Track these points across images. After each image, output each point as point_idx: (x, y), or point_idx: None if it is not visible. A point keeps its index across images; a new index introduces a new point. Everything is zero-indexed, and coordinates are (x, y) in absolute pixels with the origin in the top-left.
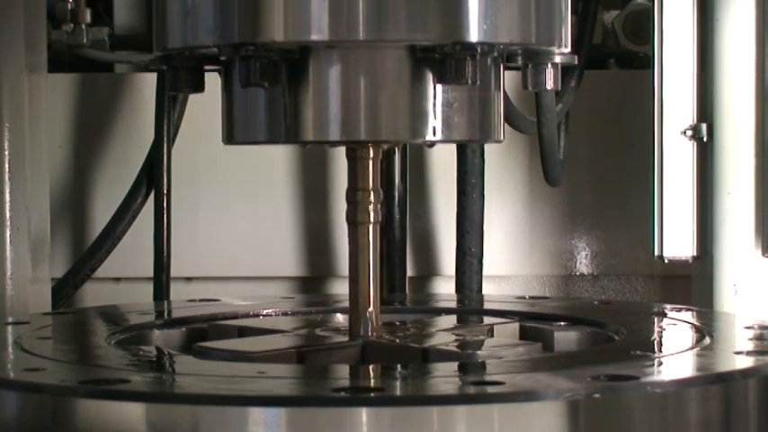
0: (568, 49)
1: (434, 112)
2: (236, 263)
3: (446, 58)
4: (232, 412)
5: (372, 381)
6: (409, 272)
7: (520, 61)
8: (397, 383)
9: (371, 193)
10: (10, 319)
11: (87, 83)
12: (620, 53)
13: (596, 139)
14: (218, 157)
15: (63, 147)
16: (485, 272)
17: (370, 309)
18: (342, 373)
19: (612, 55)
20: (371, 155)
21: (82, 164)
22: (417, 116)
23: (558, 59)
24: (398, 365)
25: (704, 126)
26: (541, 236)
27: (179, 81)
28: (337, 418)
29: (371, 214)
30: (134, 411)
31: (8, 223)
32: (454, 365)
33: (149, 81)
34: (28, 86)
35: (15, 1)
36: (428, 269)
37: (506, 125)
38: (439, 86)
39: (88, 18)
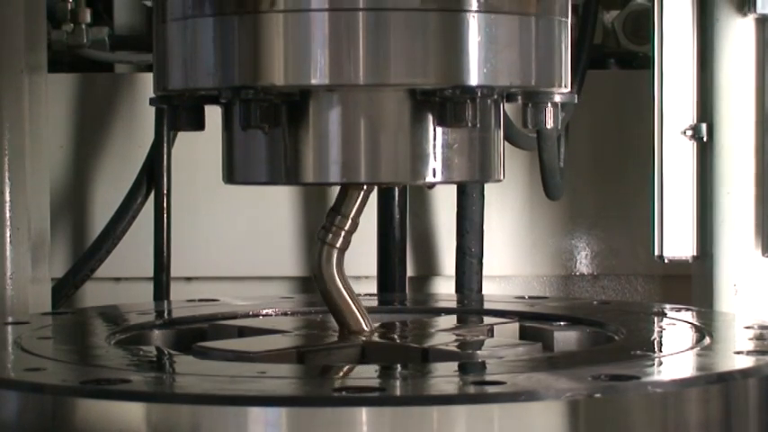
0: (568, 89)
1: (434, 153)
2: (236, 263)
3: (446, 101)
4: (232, 412)
5: (372, 381)
6: (409, 272)
7: (520, 100)
8: (397, 383)
9: (350, 221)
10: (10, 319)
11: (87, 83)
12: (620, 53)
13: (596, 140)
14: (218, 157)
15: (63, 147)
16: (485, 272)
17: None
18: (342, 373)
19: (612, 55)
20: (366, 188)
21: (82, 164)
22: (417, 158)
23: (557, 98)
24: (398, 365)
25: (704, 126)
26: (541, 236)
27: (179, 120)
28: (337, 419)
29: (341, 240)
30: (135, 411)
31: (8, 223)
32: (454, 365)
33: (149, 81)
34: (28, 86)
35: (15, 1)
36: (428, 269)
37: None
38: (439, 128)
39: (88, 18)
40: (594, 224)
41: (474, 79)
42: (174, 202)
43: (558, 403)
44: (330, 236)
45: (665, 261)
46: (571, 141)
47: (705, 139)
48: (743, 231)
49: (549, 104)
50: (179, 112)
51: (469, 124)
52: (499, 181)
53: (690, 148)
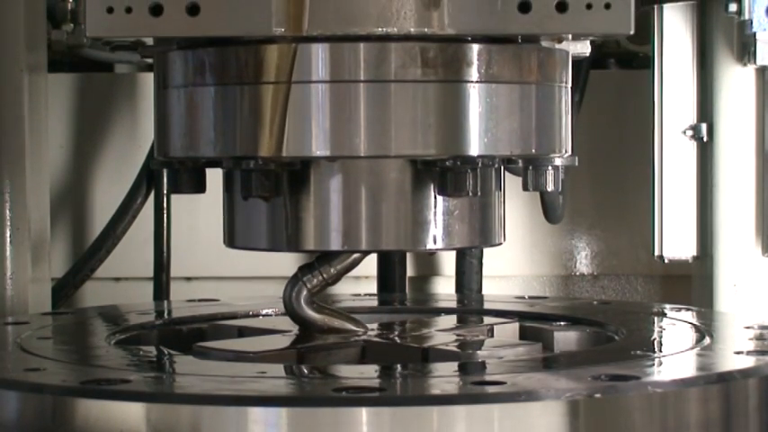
0: (569, 153)
1: (435, 221)
2: (236, 263)
3: (446, 170)
4: (232, 412)
5: (372, 381)
6: (409, 272)
7: (520, 163)
8: (398, 383)
9: (334, 274)
10: (10, 319)
11: (87, 83)
12: (620, 53)
13: (596, 139)
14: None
15: (63, 146)
16: (485, 272)
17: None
18: (342, 373)
19: (612, 55)
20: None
21: (82, 164)
22: (418, 226)
23: (558, 162)
24: (398, 365)
25: (704, 126)
26: (541, 236)
27: (180, 183)
28: (337, 419)
29: (315, 284)
30: (136, 412)
31: (8, 223)
32: (454, 365)
33: (149, 81)
34: (28, 86)
35: (15, 1)
36: (428, 269)
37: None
38: (440, 196)
39: None
40: (594, 224)
41: (475, 149)
42: (174, 202)
43: (559, 403)
44: (308, 276)
45: (665, 261)
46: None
47: (705, 139)
48: (743, 231)
49: (550, 167)
50: (180, 176)
51: (470, 193)
52: (500, 244)
53: (690, 148)
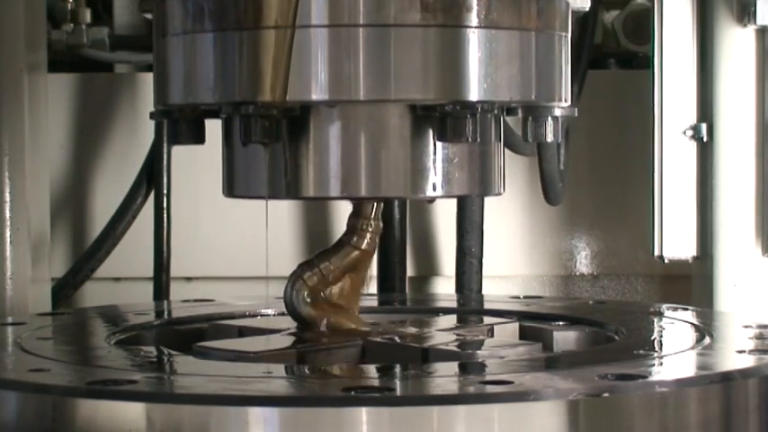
0: (569, 103)
1: (434, 168)
2: (236, 263)
3: (446, 116)
4: (235, 412)
5: (373, 380)
6: (409, 272)
7: (520, 114)
8: (399, 383)
9: (334, 272)
10: (9, 320)
11: (87, 83)
12: (620, 53)
13: (596, 140)
14: (218, 157)
15: (63, 147)
16: (485, 272)
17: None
18: (342, 373)
19: (612, 55)
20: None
21: (82, 164)
22: (418, 173)
23: (558, 112)
24: (401, 365)
25: (704, 126)
26: (541, 236)
27: (179, 133)
28: (338, 418)
29: (315, 281)
30: (144, 412)
31: (8, 223)
32: (463, 365)
33: (149, 81)
34: (28, 86)
35: (15, 1)
36: (428, 269)
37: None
38: (439, 142)
39: (88, 18)
40: (594, 224)
41: (474, 95)
42: (173, 202)
43: (567, 403)
44: (309, 273)
45: (665, 261)
46: (571, 142)
47: (705, 139)
48: (743, 231)
49: (550, 118)
50: (179, 126)
51: (469, 139)
52: (499, 194)
53: (690, 148)
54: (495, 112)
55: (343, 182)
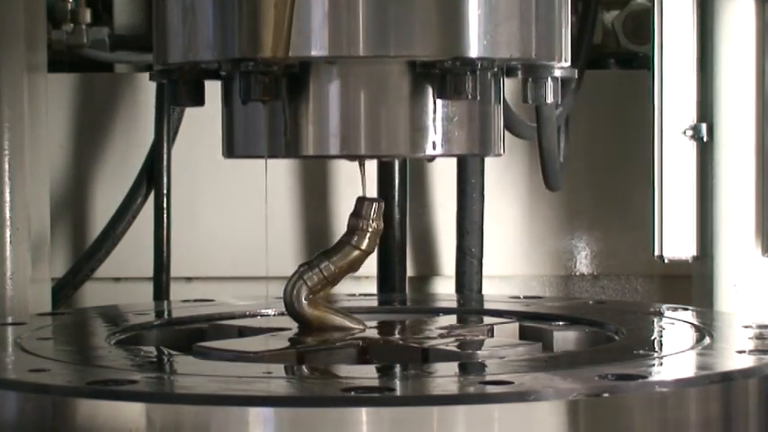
0: (568, 63)
1: (434, 126)
2: (236, 263)
3: (446, 73)
4: (235, 412)
5: (373, 380)
6: (409, 272)
7: (520, 75)
8: (399, 383)
9: (334, 271)
10: (9, 320)
11: (87, 83)
12: (620, 53)
13: (596, 140)
14: (218, 157)
15: (63, 147)
16: (485, 272)
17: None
18: (342, 373)
19: (612, 55)
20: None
21: (82, 164)
22: (417, 131)
23: (557, 73)
24: (399, 365)
25: (704, 126)
26: (541, 236)
27: (179, 95)
28: (338, 418)
29: (315, 282)
30: (145, 412)
31: (8, 223)
32: (464, 365)
33: (149, 81)
34: (28, 86)
35: (15, 1)
36: (428, 269)
37: (506, 133)
38: (439, 101)
39: (88, 18)
40: (594, 224)
41: (474, 51)
42: (174, 202)
43: (567, 403)
44: (309, 274)
45: (665, 261)
46: (571, 142)
47: (705, 139)
48: (743, 231)
49: (549, 79)
50: (179, 87)
51: (469, 96)
52: (499, 155)
53: (690, 148)
54: (495, 70)
55: (342, 140)
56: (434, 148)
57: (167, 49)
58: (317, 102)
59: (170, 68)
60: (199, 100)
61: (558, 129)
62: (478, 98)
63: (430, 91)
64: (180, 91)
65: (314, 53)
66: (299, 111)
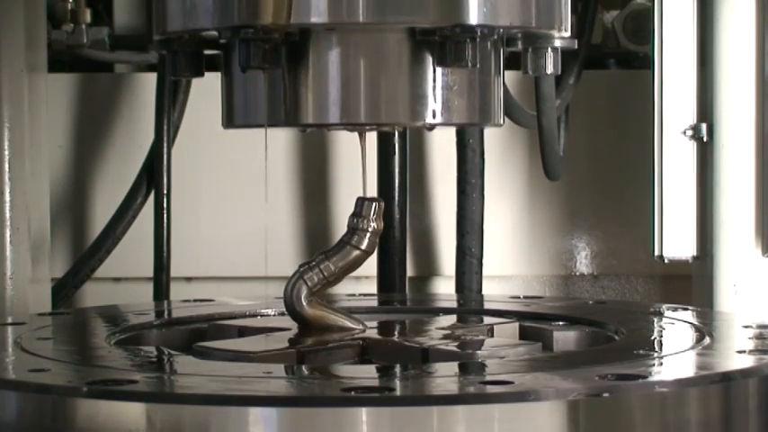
0: (568, 33)
1: (434, 95)
2: (237, 263)
3: (446, 40)
4: (235, 412)
5: (373, 380)
6: (409, 272)
7: (520, 45)
8: (399, 383)
9: (334, 270)
10: (9, 320)
11: (87, 83)
12: (620, 53)
13: (596, 139)
14: (218, 157)
15: (63, 147)
16: (485, 272)
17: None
18: (342, 373)
19: (612, 55)
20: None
21: (82, 164)
22: (417, 99)
23: (558, 43)
24: (399, 365)
25: (704, 126)
26: (541, 236)
27: (179, 66)
28: (338, 418)
29: (316, 282)
30: (146, 412)
31: (8, 223)
32: (456, 365)
33: (149, 81)
34: (28, 86)
35: (15, 1)
36: (428, 269)
37: (506, 118)
38: (439, 69)
39: (88, 18)
40: (594, 224)
41: (474, 18)
42: (174, 202)
43: (567, 403)
44: (309, 274)
45: (665, 261)
46: (571, 141)
47: (705, 139)
48: (743, 231)
49: (549, 49)
50: (178, 58)
51: (469, 64)
52: (499, 125)
53: (690, 148)
54: (495, 38)
55: (342, 108)
56: (434, 116)
57: (166, 18)
58: (317, 70)
59: (170, 38)
60: (198, 71)
61: (559, 120)
62: (478, 66)
63: (430, 59)
64: (180, 62)
65: (314, 20)
66: (299, 79)
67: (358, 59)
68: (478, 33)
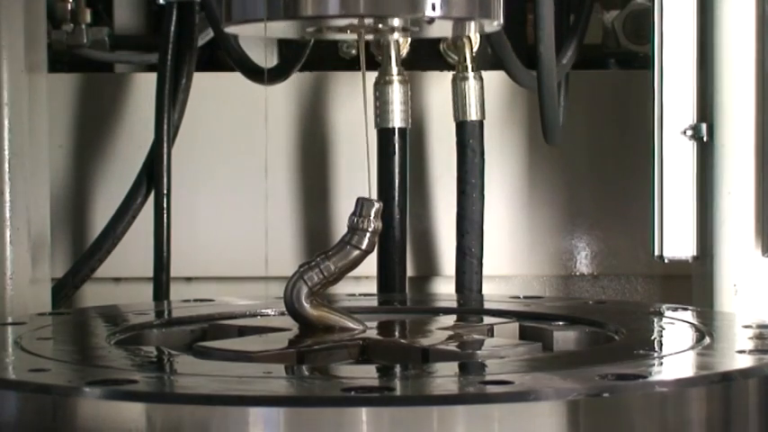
0: None
1: None
2: (237, 263)
3: None
4: (235, 412)
5: (373, 380)
6: (409, 272)
7: None
8: (399, 383)
9: (335, 270)
10: (9, 320)
11: (87, 83)
12: (620, 53)
13: (596, 139)
14: (218, 157)
15: (63, 147)
16: (485, 272)
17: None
18: (342, 373)
19: (612, 55)
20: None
21: (82, 164)
22: None
23: None
24: (399, 365)
25: (704, 126)
26: (541, 236)
27: None
28: (338, 418)
29: (316, 281)
30: (146, 412)
31: (8, 223)
32: (456, 365)
33: (149, 81)
34: (28, 86)
35: (15, 1)
36: (428, 269)
37: (506, 132)
38: None
39: (88, 18)
40: (594, 224)
41: None
42: (174, 202)
43: (567, 403)
44: (309, 274)
45: (665, 261)
46: (571, 141)
47: (705, 139)
48: (743, 231)
49: None
50: None
51: None
52: (499, 25)
53: (690, 148)
54: None
55: (341, 0)
56: (434, 9)
57: None
58: None
59: None
60: None
61: (558, 85)
62: None
63: None
64: None
65: None
66: None
67: None
68: None
